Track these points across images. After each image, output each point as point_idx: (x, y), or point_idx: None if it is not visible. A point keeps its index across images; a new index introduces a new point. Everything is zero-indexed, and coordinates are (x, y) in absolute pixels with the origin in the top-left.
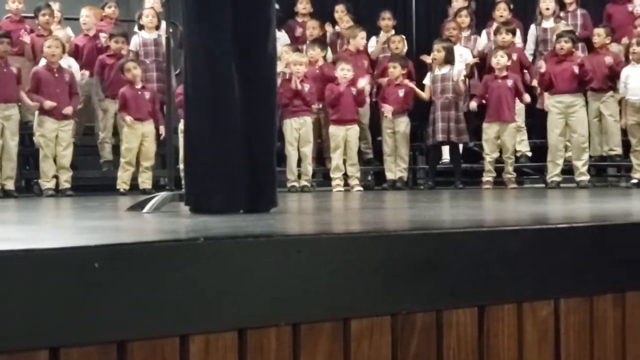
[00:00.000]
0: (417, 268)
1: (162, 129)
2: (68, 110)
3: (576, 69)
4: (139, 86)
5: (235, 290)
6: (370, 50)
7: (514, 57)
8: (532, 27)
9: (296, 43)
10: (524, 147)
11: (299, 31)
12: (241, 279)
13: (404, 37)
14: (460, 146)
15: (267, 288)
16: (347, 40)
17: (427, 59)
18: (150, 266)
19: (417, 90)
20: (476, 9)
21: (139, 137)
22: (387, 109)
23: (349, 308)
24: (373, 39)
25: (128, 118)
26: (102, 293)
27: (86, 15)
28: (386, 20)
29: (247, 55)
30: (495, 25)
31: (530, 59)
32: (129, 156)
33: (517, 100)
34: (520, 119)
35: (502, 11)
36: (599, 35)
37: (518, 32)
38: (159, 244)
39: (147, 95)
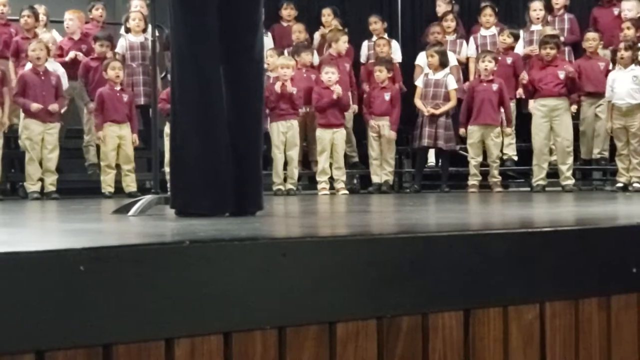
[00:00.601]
0: (402, 271)
1: (135, 137)
2: (54, 107)
3: (561, 75)
4: (117, 88)
5: (221, 294)
6: (363, 57)
7: (509, 60)
8: (521, 32)
9: (281, 47)
10: (511, 151)
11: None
12: (227, 282)
13: (390, 40)
14: None
15: (253, 291)
16: (329, 44)
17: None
18: (135, 269)
19: (447, 108)
20: (460, 13)
21: (115, 139)
22: (386, 131)
23: (335, 311)
24: (365, 44)
25: (100, 133)
26: (88, 296)
27: (69, 18)
28: (373, 24)
29: (234, 58)
30: (482, 30)
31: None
32: (107, 159)
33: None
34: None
35: (488, 17)
36: (594, 39)
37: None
38: (145, 247)
39: (126, 97)
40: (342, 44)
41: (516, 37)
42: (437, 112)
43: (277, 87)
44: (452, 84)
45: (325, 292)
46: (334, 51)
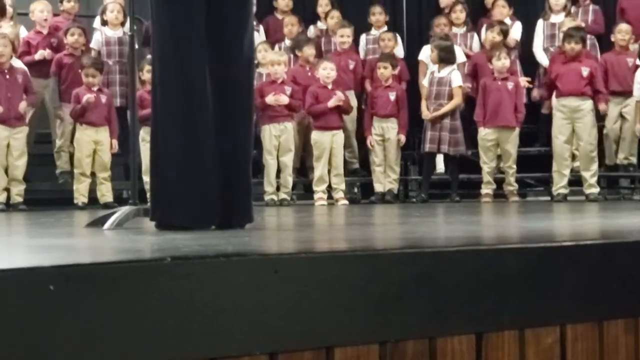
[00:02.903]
0: (408, 290)
1: (114, 142)
2: (23, 106)
3: (584, 72)
4: (95, 88)
5: (206, 316)
6: (361, 52)
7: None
8: (540, 22)
9: (275, 41)
10: None
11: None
12: (212, 303)
13: (396, 34)
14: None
15: (241, 313)
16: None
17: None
18: (110, 289)
19: (447, 108)
20: (471, 3)
21: (91, 144)
22: (392, 134)
23: (332, 335)
24: (363, 37)
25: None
26: (57, 318)
27: (41, 10)
28: (377, 15)
29: (220, 56)
30: (485, 24)
31: (541, 55)
32: (81, 166)
33: None
34: None
35: (501, 7)
36: (627, 32)
37: (519, 27)
38: (121, 265)
39: (104, 98)
40: (339, 37)
41: (505, 34)
42: (435, 115)
43: (270, 99)
44: (456, 80)
45: (321, 314)
46: (338, 46)
